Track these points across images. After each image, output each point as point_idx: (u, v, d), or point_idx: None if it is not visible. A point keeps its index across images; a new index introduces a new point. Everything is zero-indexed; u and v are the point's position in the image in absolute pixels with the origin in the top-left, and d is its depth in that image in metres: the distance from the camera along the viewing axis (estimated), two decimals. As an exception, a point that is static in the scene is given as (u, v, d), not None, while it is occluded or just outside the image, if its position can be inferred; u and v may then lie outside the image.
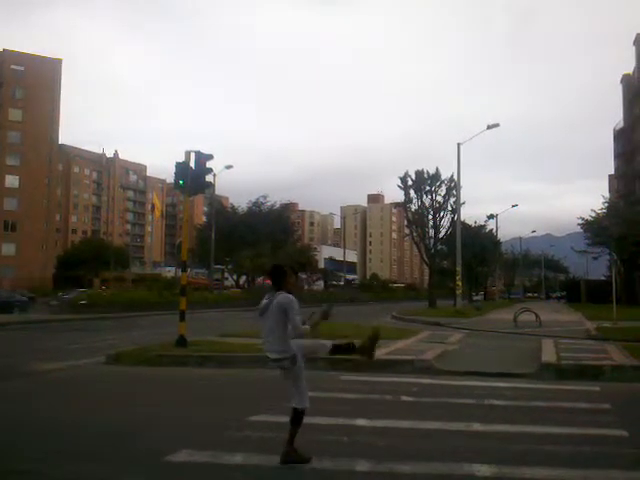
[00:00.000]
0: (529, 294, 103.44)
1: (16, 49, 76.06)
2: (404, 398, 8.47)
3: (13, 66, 74.51)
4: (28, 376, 10.69)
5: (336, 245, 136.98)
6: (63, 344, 16.74)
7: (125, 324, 26.08)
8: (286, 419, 6.97)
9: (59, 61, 79.37)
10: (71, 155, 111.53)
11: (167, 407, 7.93)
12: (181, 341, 13.27)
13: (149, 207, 76.42)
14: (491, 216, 60.33)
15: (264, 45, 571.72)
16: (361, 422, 6.88)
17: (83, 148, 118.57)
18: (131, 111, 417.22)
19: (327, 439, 6.10)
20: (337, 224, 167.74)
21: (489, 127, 33.62)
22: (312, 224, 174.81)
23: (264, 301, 5.28)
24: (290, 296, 5.16)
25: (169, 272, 68.54)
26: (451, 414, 7.38)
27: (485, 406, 8.03)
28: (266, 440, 6.06)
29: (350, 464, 5.22)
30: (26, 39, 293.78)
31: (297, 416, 5.25)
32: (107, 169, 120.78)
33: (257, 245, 56.51)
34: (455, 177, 38.80)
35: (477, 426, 6.73)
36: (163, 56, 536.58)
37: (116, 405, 8.07)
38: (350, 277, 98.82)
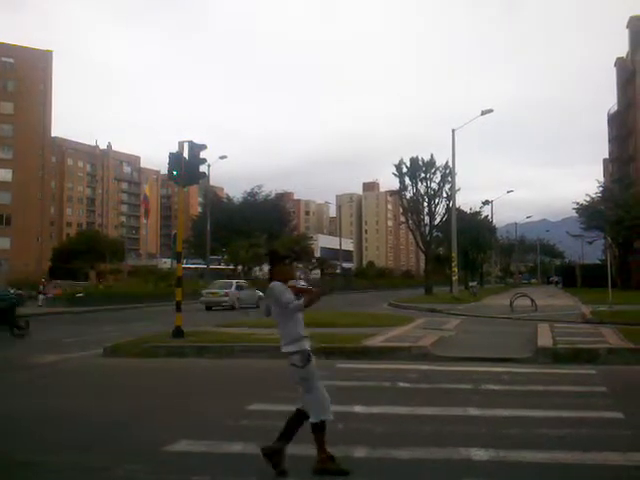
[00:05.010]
0: (524, 281, 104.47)
1: (5, 41, 75.39)
2: (401, 384, 8.50)
3: (3, 58, 73.87)
4: (26, 369, 10.69)
5: (332, 234, 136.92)
6: (60, 337, 16.71)
7: (121, 316, 26.05)
8: (284, 407, 7.00)
9: (50, 53, 78.72)
10: (64, 147, 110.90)
11: (165, 398, 7.94)
12: (178, 332, 13.26)
13: (142, 197, 75.92)
14: (486, 202, 60.40)
15: (257, 33, 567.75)
16: (358, 409, 6.90)
17: (76, 140, 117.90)
18: (124, 102, 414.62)
19: (325, 426, 6.11)
20: (333, 213, 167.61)
21: (483, 113, 33.57)
22: (308, 213, 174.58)
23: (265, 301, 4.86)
24: (273, 284, 4.68)
25: (165, 263, 68.45)
26: (448, 400, 7.40)
27: (482, 391, 8.06)
28: (265, 429, 6.06)
29: (347, 450, 5.22)
30: (16, 31, 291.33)
31: (315, 428, 4.58)
32: (101, 161, 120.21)
33: (253, 235, 56.49)
34: (450, 163, 38.76)
35: (474, 411, 6.76)
36: (154, 46, 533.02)
37: (114, 396, 8.08)
38: (346, 265, 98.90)
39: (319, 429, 4.56)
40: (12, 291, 20.36)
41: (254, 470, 4.80)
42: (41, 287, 33.59)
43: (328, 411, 4.60)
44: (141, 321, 22.37)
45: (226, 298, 30.13)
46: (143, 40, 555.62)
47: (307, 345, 4.63)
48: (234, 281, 34.79)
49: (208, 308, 29.84)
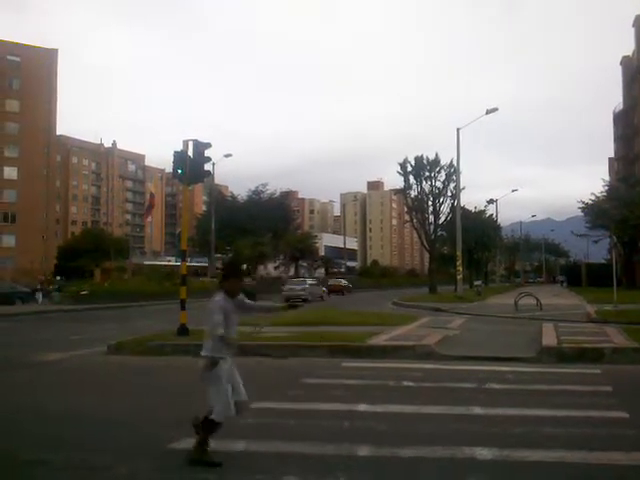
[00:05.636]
0: (530, 280, 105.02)
1: (11, 40, 75.68)
2: (405, 383, 8.49)
3: (9, 57, 74.07)
4: (30, 366, 10.72)
5: (336, 232, 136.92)
6: (65, 334, 16.78)
7: (126, 314, 26.13)
8: (287, 405, 7.03)
9: (55, 51, 78.94)
10: (69, 146, 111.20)
11: (169, 396, 7.95)
12: (183, 330, 13.29)
13: (148, 195, 75.73)
14: (491, 201, 60.42)
15: (261, 31, 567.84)
16: (362, 407, 6.90)
17: (81, 139, 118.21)
18: (129, 100, 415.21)
19: (329, 424, 6.12)
20: (337, 211, 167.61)
21: (488, 112, 33.48)
22: (312, 212, 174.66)
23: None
24: (215, 299, 5.08)
25: (169, 262, 68.60)
26: (452, 398, 7.40)
27: (486, 390, 8.05)
28: (267, 426, 6.08)
29: (352, 449, 5.24)
30: (20, 30, 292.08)
31: (207, 423, 4.97)
32: (105, 159, 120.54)
33: (257, 233, 56.54)
34: (454, 162, 38.72)
35: (478, 410, 6.75)
36: (160, 45, 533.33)
37: (118, 394, 8.10)
38: (351, 264, 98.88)
39: (214, 427, 4.95)
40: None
41: (258, 468, 4.81)
42: (38, 285, 33.59)
43: (230, 411, 4.93)
44: (145, 319, 22.44)
45: (302, 292, 37.30)
46: (147, 39, 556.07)
47: (221, 354, 4.98)
48: (307, 279, 45.17)
49: (287, 300, 33.77)
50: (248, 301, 5.29)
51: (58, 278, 48.22)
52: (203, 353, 5.05)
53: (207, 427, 4.97)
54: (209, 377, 4.98)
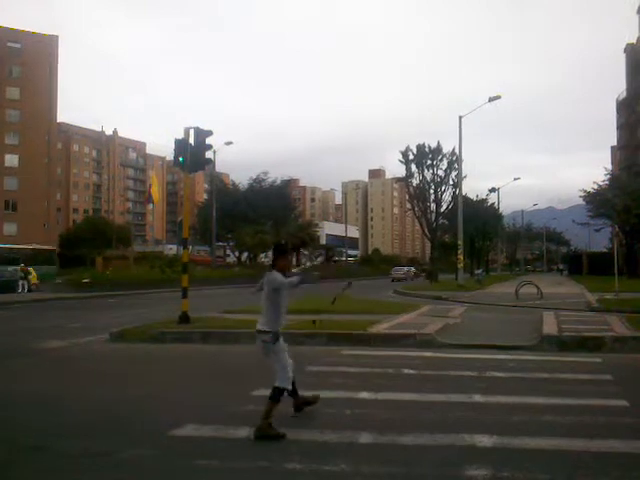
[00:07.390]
0: (530, 268, 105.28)
1: (12, 26, 75.18)
2: (406, 371, 8.53)
3: (9, 43, 73.58)
4: (32, 354, 10.76)
5: (338, 221, 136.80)
6: (66, 322, 16.82)
7: (128, 302, 26.18)
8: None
9: (56, 38, 78.42)
10: (70, 133, 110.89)
11: (171, 383, 8.00)
12: (184, 318, 13.33)
13: (148, 186, 75.50)
14: (493, 189, 60.18)
15: (263, 19, 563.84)
16: (364, 395, 6.93)
17: (82, 126, 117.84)
18: (130, 88, 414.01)
19: (330, 412, 6.15)
20: (338, 200, 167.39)
21: (490, 99, 33.24)
22: (313, 200, 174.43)
23: (262, 279, 5.72)
24: (278, 276, 5.52)
25: (171, 250, 68.65)
26: (453, 386, 7.43)
27: (487, 378, 8.07)
28: (269, 414, 6.10)
29: (353, 436, 5.27)
30: (22, 15, 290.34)
31: (275, 393, 5.42)
32: (107, 147, 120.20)
33: (258, 222, 56.49)
34: (456, 150, 38.55)
35: (479, 398, 6.78)
36: (162, 32, 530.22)
37: (120, 382, 8.14)
38: (352, 252, 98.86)
39: (277, 396, 5.40)
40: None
41: (260, 454, 4.84)
42: (22, 273, 33.34)
43: (289, 382, 5.53)
44: (147, 307, 22.48)
45: (403, 275, 55.67)
46: (148, 27, 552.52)
47: (279, 329, 5.56)
48: (405, 267, 64.03)
49: (393, 280, 51.23)
50: (292, 279, 5.68)
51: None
52: (265, 328, 5.48)
53: (274, 395, 5.38)
54: (276, 349, 5.46)
